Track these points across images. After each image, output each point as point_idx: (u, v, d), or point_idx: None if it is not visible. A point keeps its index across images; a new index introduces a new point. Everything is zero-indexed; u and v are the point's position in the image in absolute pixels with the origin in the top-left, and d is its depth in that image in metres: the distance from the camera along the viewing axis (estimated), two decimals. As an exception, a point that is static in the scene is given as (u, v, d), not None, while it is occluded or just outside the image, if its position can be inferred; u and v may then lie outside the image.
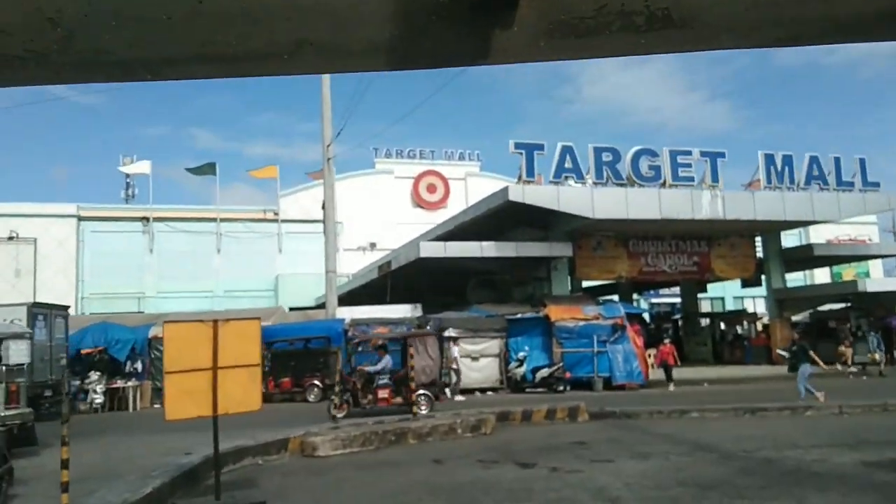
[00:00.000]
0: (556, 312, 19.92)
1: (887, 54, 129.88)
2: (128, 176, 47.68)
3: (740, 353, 27.22)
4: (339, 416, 12.64)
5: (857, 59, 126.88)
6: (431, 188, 52.11)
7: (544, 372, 18.60)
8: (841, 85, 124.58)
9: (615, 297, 33.25)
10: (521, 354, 19.31)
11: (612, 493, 6.64)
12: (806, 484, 6.71)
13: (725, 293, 46.94)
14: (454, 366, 18.78)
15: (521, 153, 21.46)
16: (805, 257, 26.21)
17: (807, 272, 41.15)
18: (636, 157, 22.53)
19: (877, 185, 23.71)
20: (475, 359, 19.42)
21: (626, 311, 22.16)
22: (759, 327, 28.53)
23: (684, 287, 32.11)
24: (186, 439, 9.25)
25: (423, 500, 6.75)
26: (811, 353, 14.23)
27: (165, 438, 9.80)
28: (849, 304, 25.41)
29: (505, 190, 21.17)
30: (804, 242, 34.50)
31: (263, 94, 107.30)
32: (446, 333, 19.40)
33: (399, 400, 12.86)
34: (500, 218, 24.57)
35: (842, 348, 22.25)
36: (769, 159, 23.32)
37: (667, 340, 20.71)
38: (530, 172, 21.42)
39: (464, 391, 19.08)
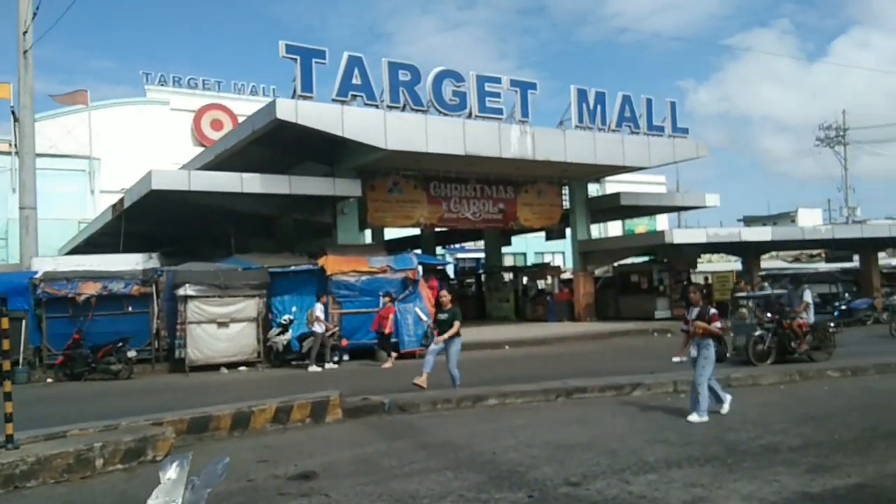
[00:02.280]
0: (333, 264, 15.72)
1: (670, 36, 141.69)
2: None
3: (543, 310, 25.23)
4: None
5: (645, 40, 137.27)
6: (216, 124, 44.73)
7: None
8: (633, 60, 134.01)
9: (418, 251, 30.07)
10: (285, 318, 14.90)
11: None
12: None
13: (528, 248, 46.21)
14: (316, 328, 14.26)
15: (294, 59, 16.65)
16: (610, 207, 24.62)
17: (601, 227, 41.19)
18: (439, 79, 18.79)
19: (685, 131, 22.40)
20: (223, 324, 14.65)
21: (423, 262, 18.68)
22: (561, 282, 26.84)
23: (488, 239, 29.70)
24: None
25: None
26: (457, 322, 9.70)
27: None
28: (651, 258, 24.30)
29: (272, 105, 16.34)
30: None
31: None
32: (181, 291, 14.41)
33: None
34: (279, 149, 19.75)
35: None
36: (582, 95, 20.86)
37: (385, 299, 15.22)
38: (307, 86, 16.73)
39: (203, 367, 14.34)
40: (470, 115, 19.14)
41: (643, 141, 21.52)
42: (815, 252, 35.38)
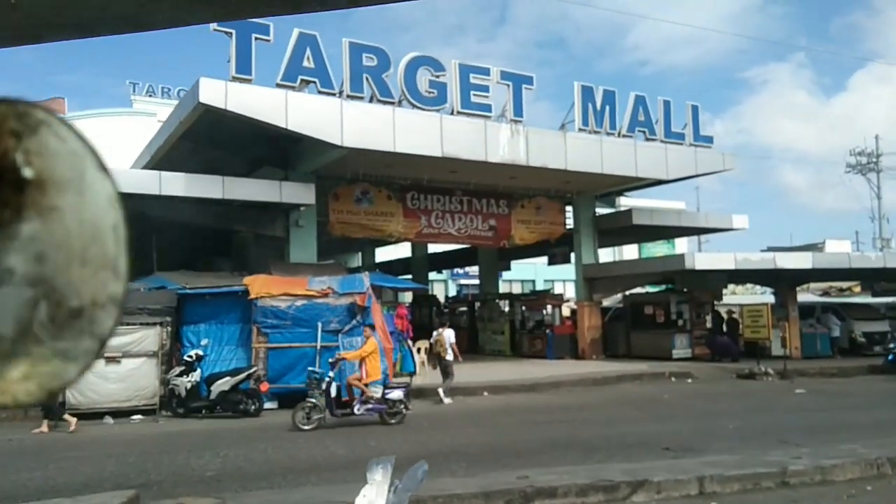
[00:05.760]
0: (261, 285, 12.43)
1: (688, 70, 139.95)
2: None
3: (542, 345, 21.70)
4: None
5: (663, 72, 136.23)
6: (205, 137, 42.35)
7: (223, 383, 11.05)
8: (651, 93, 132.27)
9: (408, 277, 26.87)
10: (191, 354, 11.61)
11: None
12: None
13: (537, 275, 42.63)
14: (449, 356, 12.97)
15: (229, 34, 13.60)
16: (622, 227, 21.15)
17: (616, 252, 37.53)
18: (412, 67, 15.67)
19: (710, 140, 19.03)
20: (113, 359, 11.39)
21: (384, 284, 15.28)
22: (566, 312, 23.31)
23: (483, 263, 26.31)
24: None
25: None
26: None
27: None
28: (669, 287, 20.76)
29: (196, 87, 13.27)
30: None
31: None
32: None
33: None
34: (227, 149, 16.80)
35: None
36: (587, 94, 17.64)
37: None
38: (244, 67, 13.68)
39: (87, 414, 11.04)
40: (451, 112, 16.01)
41: (660, 149, 18.17)
42: (845, 286, 31.65)
